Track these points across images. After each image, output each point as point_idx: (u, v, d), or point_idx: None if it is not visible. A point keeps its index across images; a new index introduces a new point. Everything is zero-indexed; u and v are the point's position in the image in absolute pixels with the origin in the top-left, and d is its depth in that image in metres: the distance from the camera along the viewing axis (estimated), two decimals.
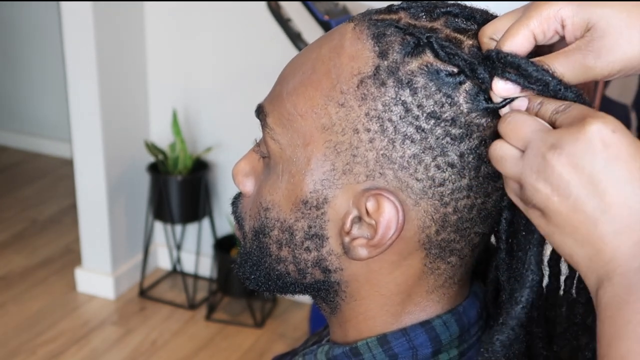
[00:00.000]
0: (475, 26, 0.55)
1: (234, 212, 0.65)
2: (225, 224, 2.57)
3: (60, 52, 2.53)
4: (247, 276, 0.64)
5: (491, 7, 0.58)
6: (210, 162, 2.53)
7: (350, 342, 0.61)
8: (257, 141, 0.63)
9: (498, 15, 0.57)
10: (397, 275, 0.58)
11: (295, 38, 1.75)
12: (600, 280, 0.47)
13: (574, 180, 0.46)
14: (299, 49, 1.75)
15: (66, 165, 3.38)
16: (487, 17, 0.56)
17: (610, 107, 1.68)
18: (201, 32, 2.42)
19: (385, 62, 0.54)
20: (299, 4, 1.86)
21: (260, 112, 0.60)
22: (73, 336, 2.37)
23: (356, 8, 1.65)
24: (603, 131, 0.46)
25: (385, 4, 0.58)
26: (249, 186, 0.63)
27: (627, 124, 1.78)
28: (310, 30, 1.89)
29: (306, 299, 2.44)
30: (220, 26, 2.38)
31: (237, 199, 0.65)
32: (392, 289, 0.58)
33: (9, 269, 2.72)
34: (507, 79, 0.51)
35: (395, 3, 0.58)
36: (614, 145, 0.45)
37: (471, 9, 0.57)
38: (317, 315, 2.07)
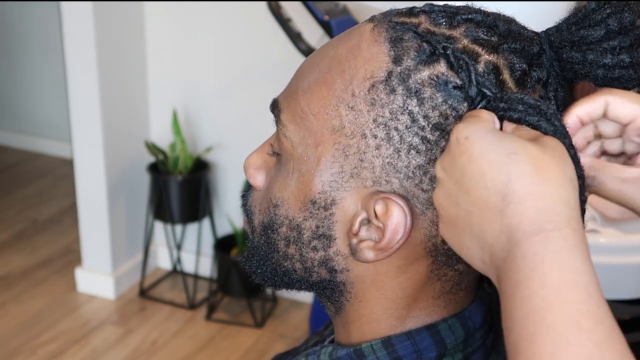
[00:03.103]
0: (495, 38, 0.54)
1: (244, 205, 0.64)
2: (225, 224, 2.57)
3: (60, 52, 2.53)
4: (253, 270, 0.64)
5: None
6: (211, 162, 2.53)
7: (354, 343, 0.60)
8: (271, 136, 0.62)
9: (522, 24, 0.56)
10: (403, 279, 0.57)
11: (295, 38, 1.75)
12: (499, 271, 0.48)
13: (448, 185, 0.49)
14: (299, 48, 1.74)
15: (66, 165, 3.38)
16: (510, 27, 0.55)
17: None
18: (201, 32, 2.42)
19: (398, 69, 0.53)
20: (299, 4, 1.86)
21: (275, 107, 0.60)
22: (73, 336, 2.37)
23: (356, 8, 1.65)
24: (460, 141, 0.48)
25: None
26: (259, 180, 0.62)
27: None
28: (310, 30, 1.89)
29: (306, 298, 2.44)
30: (221, 26, 2.38)
31: (248, 192, 0.64)
32: (397, 293, 0.58)
33: (9, 269, 2.72)
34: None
35: (418, 5, 0.57)
36: (466, 150, 0.48)
37: (494, 17, 0.56)
38: (317, 315, 2.07)
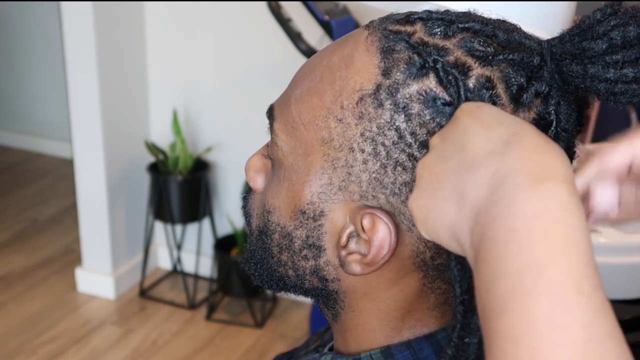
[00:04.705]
0: (492, 48, 0.51)
1: (244, 207, 0.64)
2: (225, 224, 2.57)
3: (60, 52, 2.53)
4: (252, 272, 0.63)
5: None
6: (211, 162, 2.53)
7: (352, 352, 0.60)
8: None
9: (526, 32, 0.53)
10: (394, 292, 0.57)
11: (295, 38, 1.75)
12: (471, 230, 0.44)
13: (441, 147, 0.47)
14: (299, 48, 1.75)
15: (66, 165, 3.38)
16: (510, 37, 0.52)
17: (610, 107, 1.68)
18: (201, 32, 2.42)
19: (387, 82, 0.51)
20: (299, 4, 1.86)
21: (270, 114, 0.59)
22: (73, 336, 2.37)
23: (356, 8, 1.65)
24: (468, 108, 0.47)
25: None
26: (259, 182, 0.62)
27: (627, 124, 1.78)
28: (310, 30, 1.89)
29: (306, 299, 2.44)
30: (221, 26, 2.38)
31: (248, 194, 0.64)
32: (390, 305, 0.57)
33: (9, 269, 2.72)
34: None
35: (417, 11, 0.54)
36: (473, 113, 0.47)
37: (495, 25, 0.53)
38: (317, 315, 2.07)
